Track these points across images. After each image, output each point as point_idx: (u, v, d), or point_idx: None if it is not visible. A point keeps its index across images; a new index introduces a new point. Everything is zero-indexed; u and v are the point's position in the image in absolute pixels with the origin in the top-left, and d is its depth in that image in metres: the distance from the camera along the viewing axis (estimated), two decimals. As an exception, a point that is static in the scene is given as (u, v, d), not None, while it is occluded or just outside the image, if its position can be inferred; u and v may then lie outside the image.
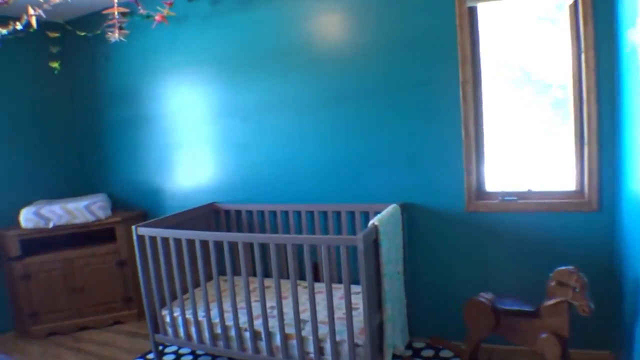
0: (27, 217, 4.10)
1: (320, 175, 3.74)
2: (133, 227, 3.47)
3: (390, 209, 3.13)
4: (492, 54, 3.23)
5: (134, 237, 3.46)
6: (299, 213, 3.84)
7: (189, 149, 4.32)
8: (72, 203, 4.24)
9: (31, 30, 2.95)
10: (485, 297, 2.84)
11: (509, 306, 2.76)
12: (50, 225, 4.11)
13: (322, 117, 3.65)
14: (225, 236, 3.11)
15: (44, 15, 2.49)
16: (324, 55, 3.58)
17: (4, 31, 2.76)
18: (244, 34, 3.86)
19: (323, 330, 2.90)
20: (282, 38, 3.71)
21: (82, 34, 4.01)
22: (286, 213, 3.90)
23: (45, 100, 4.76)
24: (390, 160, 3.45)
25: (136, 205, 4.73)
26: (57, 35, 3.48)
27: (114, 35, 2.65)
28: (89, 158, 4.98)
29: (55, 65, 3.56)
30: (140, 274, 3.49)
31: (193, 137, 4.28)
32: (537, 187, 3.19)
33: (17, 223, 4.23)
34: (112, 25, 2.61)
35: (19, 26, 2.69)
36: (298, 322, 2.90)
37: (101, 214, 4.29)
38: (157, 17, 2.85)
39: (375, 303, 2.80)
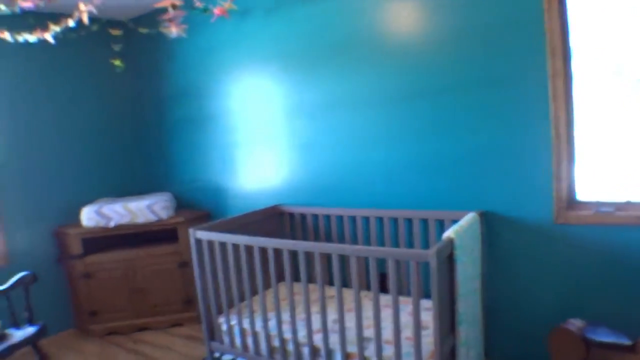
0: (88, 216, 4.10)
1: (391, 178, 3.50)
2: (190, 230, 3.36)
3: (468, 218, 2.85)
4: (580, 45, 2.87)
5: (192, 241, 3.35)
6: (367, 219, 3.62)
7: (253, 149, 4.20)
8: (134, 202, 4.21)
9: (94, 28, 2.89)
10: (575, 324, 2.52)
11: (602, 337, 2.43)
12: (112, 224, 4.10)
13: (394, 116, 3.40)
14: (284, 244, 2.94)
15: (95, 11, 2.41)
16: (394, 48, 3.33)
17: (57, 29, 2.70)
18: (309, 27, 3.67)
19: (388, 351, 2.66)
20: (349, 30, 3.49)
21: (144, 31, 3.97)
22: (353, 218, 3.68)
23: (109, 98, 4.80)
24: (468, 163, 3.15)
25: (200, 205, 4.67)
26: (119, 33, 3.43)
27: (172, 30, 2.52)
28: (153, 156, 4.97)
29: (117, 63, 3.52)
30: (196, 278, 3.38)
31: (257, 136, 4.15)
32: (637, 198, 2.81)
33: (79, 221, 4.23)
34: (168, 20, 2.48)
35: (71, 23, 2.62)
36: (361, 341, 2.68)
37: (163, 214, 4.24)
38: (217, 11, 2.72)
39: (448, 324, 2.54)
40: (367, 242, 3.62)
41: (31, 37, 2.84)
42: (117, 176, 4.87)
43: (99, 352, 3.96)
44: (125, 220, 4.13)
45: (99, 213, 4.11)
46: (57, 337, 4.29)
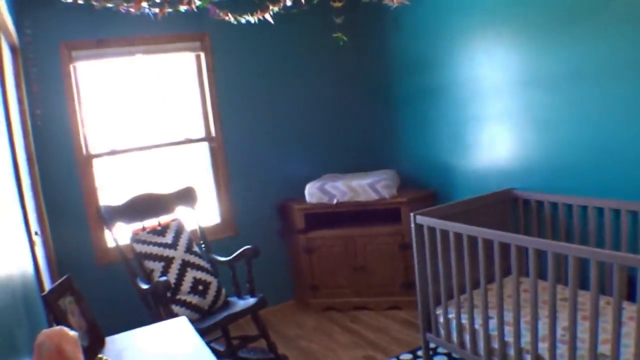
0: (311, 192, 4.44)
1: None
2: (411, 215, 3.42)
3: None
4: None
5: (412, 225, 3.41)
6: (616, 212, 3.25)
7: (484, 124, 4.08)
8: (357, 180, 4.42)
9: (314, 1, 3.07)
10: None
11: None
12: (334, 201, 4.36)
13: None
14: (512, 238, 2.83)
15: None
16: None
17: (276, 9, 2.95)
18: None
19: (627, 374, 2.42)
20: None
21: (366, 0, 4.08)
22: (600, 210, 3.35)
23: (333, 72, 5.10)
24: None
25: (426, 184, 4.71)
26: (340, 4, 3.59)
27: (392, 1, 2.55)
28: (379, 132, 5.14)
29: (339, 36, 3.70)
30: (415, 266, 3.44)
31: (488, 110, 4.02)
32: None
33: (303, 196, 4.60)
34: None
35: (289, 2, 2.85)
36: (594, 357, 2.47)
37: (385, 193, 4.37)
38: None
39: None
40: (615, 239, 3.27)
41: (252, 18, 3.20)
42: (341, 151, 5.16)
43: (316, 327, 4.30)
44: (346, 197, 4.37)
45: (322, 189, 4.40)
46: (277, 308, 4.78)
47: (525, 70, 3.68)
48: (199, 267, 3.67)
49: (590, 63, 3.27)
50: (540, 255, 2.79)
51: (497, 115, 3.95)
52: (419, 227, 3.40)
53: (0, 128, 2.36)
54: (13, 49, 3.47)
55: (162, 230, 3.73)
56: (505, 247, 2.93)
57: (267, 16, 3.05)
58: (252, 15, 3.22)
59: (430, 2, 4.22)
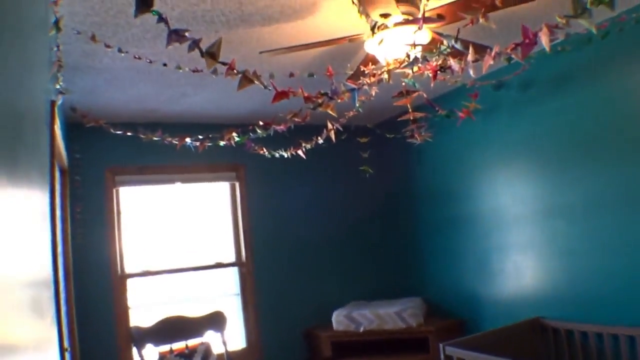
0: (338, 320, 4.49)
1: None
2: (440, 345, 3.43)
3: None
4: None
5: (441, 356, 3.41)
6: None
7: (509, 254, 4.15)
8: (383, 308, 4.47)
9: (342, 137, 3.36)
10: None
11: None
12: (360, 329, 4.38)
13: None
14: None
15: (340, 129, 2.81)
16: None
17: (309, 146, 3.26)
18: (563, 119, 3.61)
19: None
20: (612, 119, 3.32)
21: (391, 136, 4.37)
22: (632, 339, 3.31)
23: (358, 200, 5.35)
24: None
25: (453, 312, 4.71)
26: (366, 140, 3.92)
27: (416, 139, 2.79)
28: (405, 260, 5.24)
29: (366, 168, 4.03)
30: (443, 396, 3.39)
31: (512, 240, 4.12)
32: None
33: (329, 323, 4.64)
34: (412, 130, 2.76)
35: (320, 141, 3.15)
36: None
37: (412, 322, 4.38)
38: (461, 114, 2.90)
39: None
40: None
41: (285, 154, 3.55)
42: (368, 279, 5.27)
43: None
44: (373, 325, 4.39)
45: (349, 317, 4.45)
46: None
47: (544, 200, 3.82)
48: (223, 393, 3.67)
49: (606, 192, 3.39)
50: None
51: (520, 244, 4.04)
52: (449, 358, 3.39)
53: (45, 247, 2.53)
54: (62, 171, 3.76)
55: (189, 354, 3.78)
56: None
57: (300, 152, 3.35)
58: (285, 150, 3.54)
59: (452, 137, 4.47)
